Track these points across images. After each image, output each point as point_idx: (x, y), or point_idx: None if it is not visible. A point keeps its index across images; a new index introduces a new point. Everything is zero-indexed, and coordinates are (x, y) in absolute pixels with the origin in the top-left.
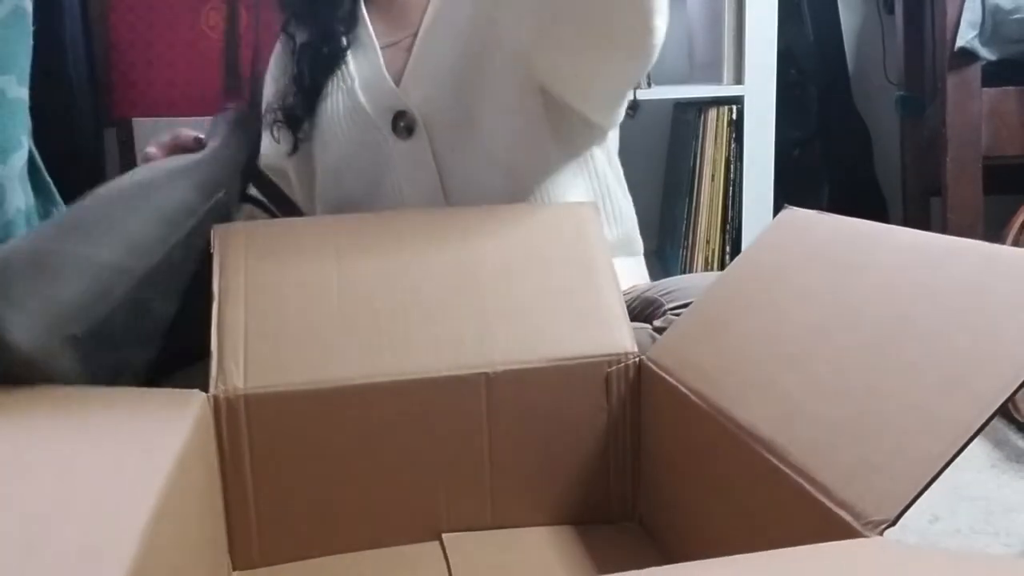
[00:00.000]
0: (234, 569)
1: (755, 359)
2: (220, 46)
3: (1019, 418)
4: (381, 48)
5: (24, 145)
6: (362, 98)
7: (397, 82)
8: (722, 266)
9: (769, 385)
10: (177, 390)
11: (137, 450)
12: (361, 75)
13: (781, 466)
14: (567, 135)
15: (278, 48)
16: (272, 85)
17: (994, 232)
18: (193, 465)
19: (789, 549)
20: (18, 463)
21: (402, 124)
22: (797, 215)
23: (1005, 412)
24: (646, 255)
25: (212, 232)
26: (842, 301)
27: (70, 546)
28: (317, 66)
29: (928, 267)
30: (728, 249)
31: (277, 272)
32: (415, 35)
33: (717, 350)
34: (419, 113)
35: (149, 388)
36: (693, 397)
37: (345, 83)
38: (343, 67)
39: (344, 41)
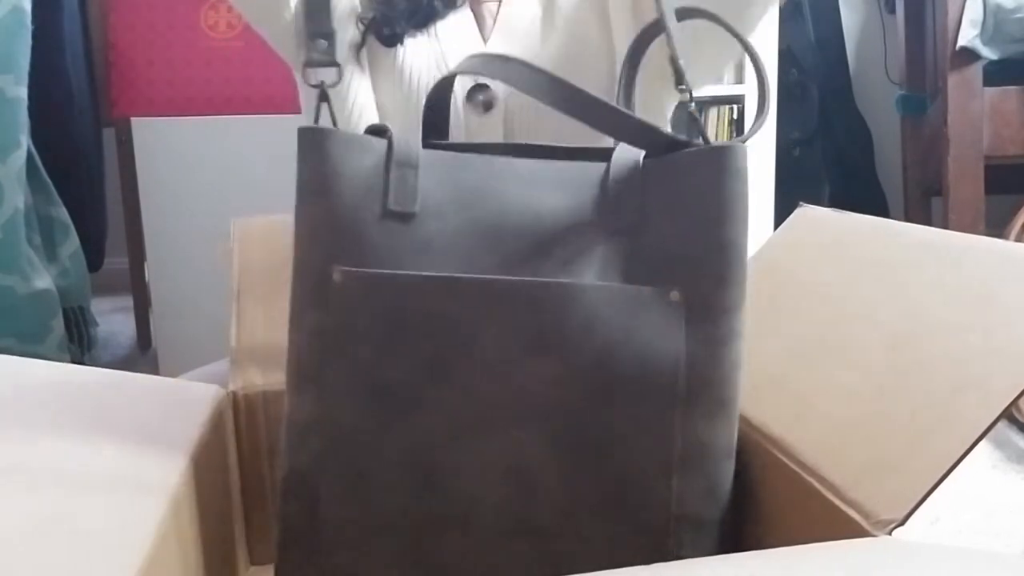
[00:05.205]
0: (252, 564)
1: (767, 357)
2: (219, 46)
3: (1021, 419)
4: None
5: (23, 144)
6: (443, 48)
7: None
8: None
9: (781, 383)
10: (196, 384)
11: (155, 445)
12: (447, 26)
13: (791, 464)
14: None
15: None
16: None
17: (995, 232)
18: (211, 460)
19: (797, 547)
20: (34, 455)
21: (481, 98)
22: (811, 213)
23: (1007, 413)
24: None
25: (232, 225)
26: (855, 299)
27: (85, 538)
28: None
29: (941, 265)
30: None
31: None
32: None
33: None
34: (503, 88)
35: (169, 380)
36: None
37: (429, 30)
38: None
39: None
